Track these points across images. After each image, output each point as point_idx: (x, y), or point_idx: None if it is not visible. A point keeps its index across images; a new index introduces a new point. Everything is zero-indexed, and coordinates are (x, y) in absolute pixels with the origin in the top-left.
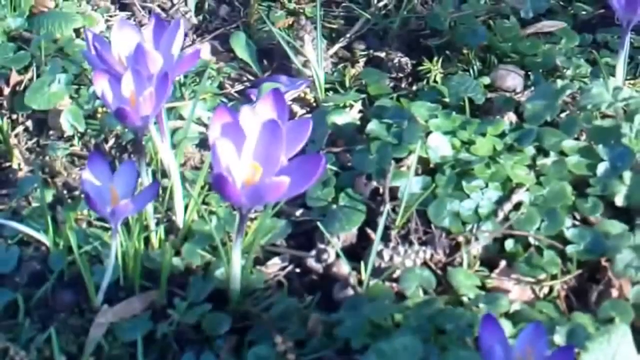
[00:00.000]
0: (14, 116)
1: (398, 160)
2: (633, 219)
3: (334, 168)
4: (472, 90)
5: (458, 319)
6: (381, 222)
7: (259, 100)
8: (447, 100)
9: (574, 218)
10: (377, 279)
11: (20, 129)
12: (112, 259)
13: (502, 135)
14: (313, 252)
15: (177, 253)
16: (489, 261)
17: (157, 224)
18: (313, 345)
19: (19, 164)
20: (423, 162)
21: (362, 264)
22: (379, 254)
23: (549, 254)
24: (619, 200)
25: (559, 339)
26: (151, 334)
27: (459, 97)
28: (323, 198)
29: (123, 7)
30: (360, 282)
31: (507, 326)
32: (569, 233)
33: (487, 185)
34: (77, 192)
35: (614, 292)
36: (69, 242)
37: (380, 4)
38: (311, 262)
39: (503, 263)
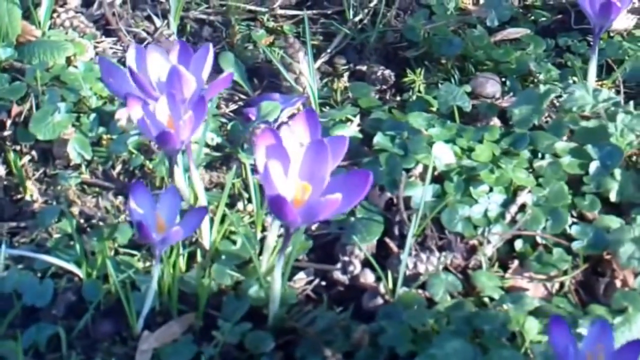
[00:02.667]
0: (17, 147)
1: (406, 171)
2: (627, 212)
3: None
4: (460, 99)
5: (492, 320)
6: (410, 231)
7: (292, 121)
8: (434, 109)
9: (572, 216)
10: (405, 287)
11: (25, 159)
12: (154, 285)
13: (497, 141)
14: (339, 265)
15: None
16: (501, 261)
17: (184, 247)
18: (360, 356)
19: (32, 195)
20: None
21: (389, 272)
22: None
23: (558, 251)
24: (613, 196)
25: (585, 331)
26: (196, 356)
27: (448, 106)
28: None
29: (108, 33)
30: (391, 291)
31: (532, 323)
32: (572, 230)
33: (491, 190)
34: (94, 221)
35: (618, 283)
36: (102, 272)
37: (356, 19)
38: (337, 275)
39: (515, 263)
